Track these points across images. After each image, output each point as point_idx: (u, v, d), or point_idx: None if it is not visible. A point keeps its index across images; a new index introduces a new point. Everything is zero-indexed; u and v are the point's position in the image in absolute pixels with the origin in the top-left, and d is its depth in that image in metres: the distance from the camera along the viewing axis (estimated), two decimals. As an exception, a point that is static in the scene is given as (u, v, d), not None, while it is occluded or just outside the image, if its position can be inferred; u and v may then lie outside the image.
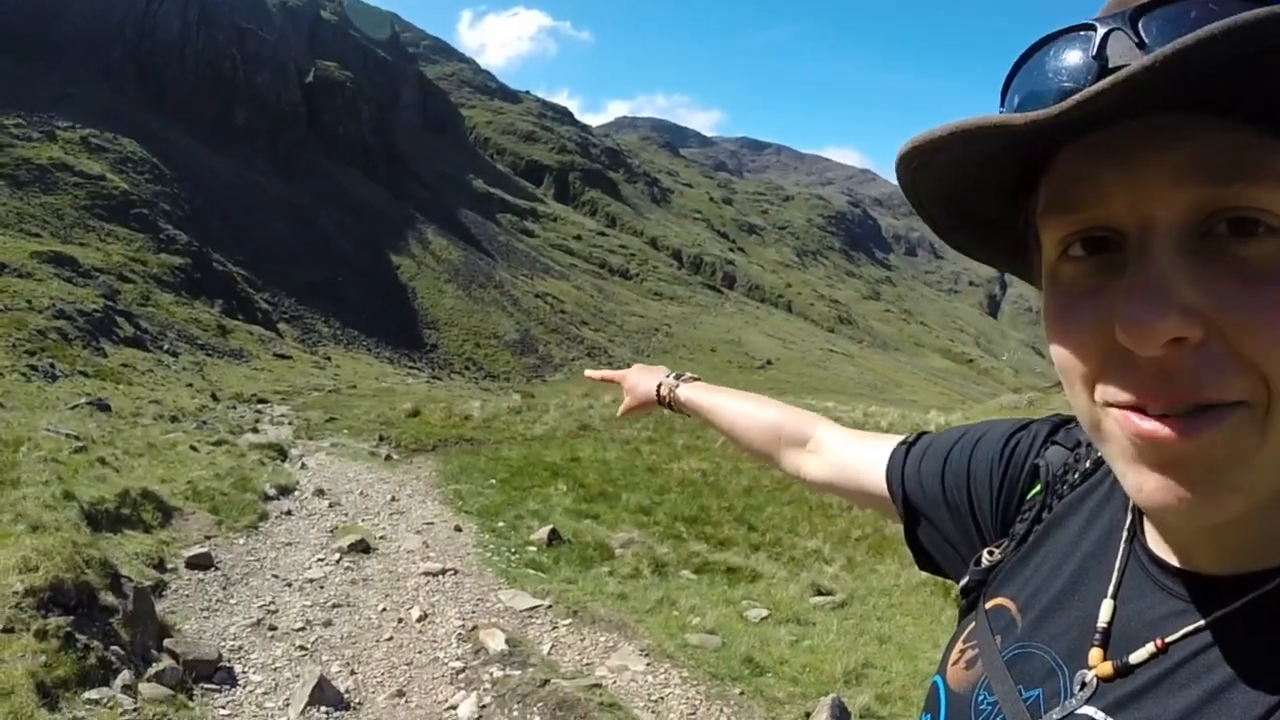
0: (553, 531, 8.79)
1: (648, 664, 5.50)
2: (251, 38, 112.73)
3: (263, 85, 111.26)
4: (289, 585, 6.72)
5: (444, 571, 7.29)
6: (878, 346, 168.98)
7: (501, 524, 9.40)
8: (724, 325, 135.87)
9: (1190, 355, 0.52)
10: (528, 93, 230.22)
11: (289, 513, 9.05)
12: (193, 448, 12.18)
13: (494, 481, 11.87)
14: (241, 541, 7.71)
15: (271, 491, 9.66)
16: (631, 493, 11.57)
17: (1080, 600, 0.72)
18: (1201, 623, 0.61)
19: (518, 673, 5.10)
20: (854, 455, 1.14)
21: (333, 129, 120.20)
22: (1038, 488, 0.85)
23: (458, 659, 5.45)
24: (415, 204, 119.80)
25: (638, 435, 16.03)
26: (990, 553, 0.85)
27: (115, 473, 8.75)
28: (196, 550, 6.92)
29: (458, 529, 9.00)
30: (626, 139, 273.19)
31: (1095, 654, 0.67)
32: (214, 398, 29.30)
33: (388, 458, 13.88)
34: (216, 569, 6.80)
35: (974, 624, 0.82)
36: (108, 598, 4.81)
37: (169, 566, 6.58)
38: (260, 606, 6.15)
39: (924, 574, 5.60)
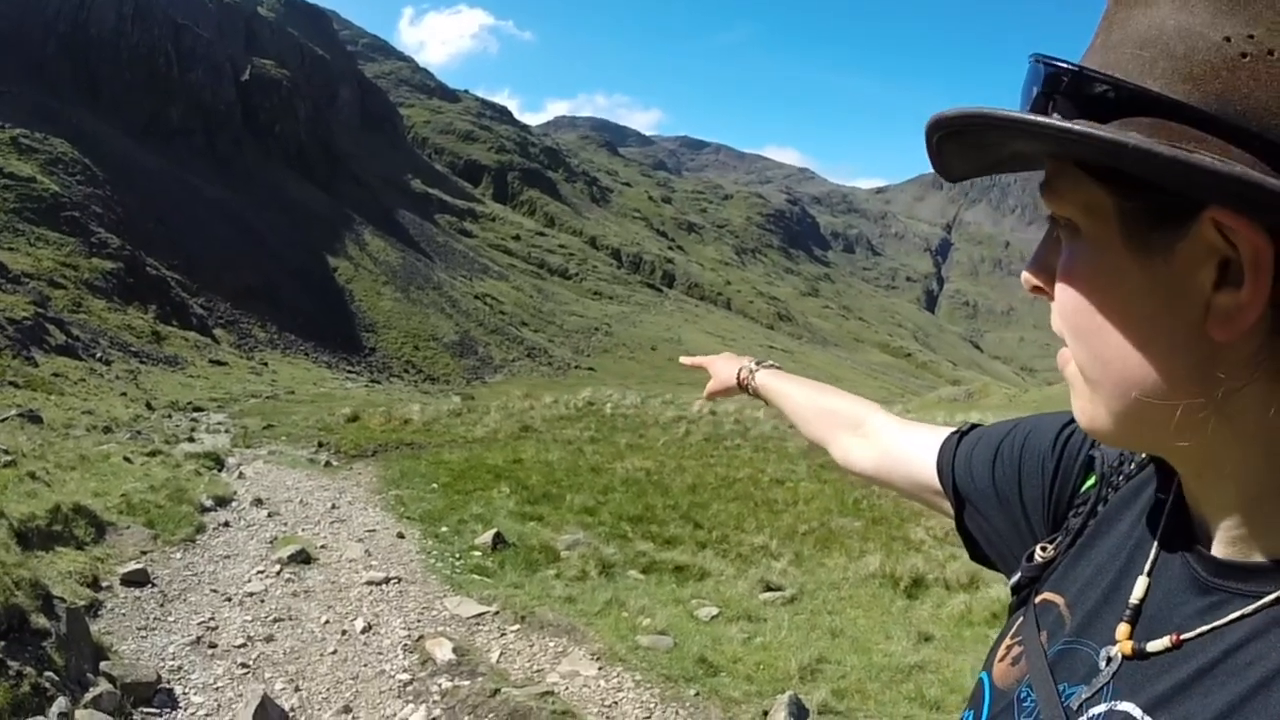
0: (497, 535, 8.65)
1: (599, 668, 5.41)
2: (187, 34, 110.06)
3: (198, 83, 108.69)
4: (229, 600, 6.49)
5: (387, 580, 7.11)
6: (817, 343, 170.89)
7: (445, 529, 9.23)
8: (664, 324, 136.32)
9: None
10: (467, 91, 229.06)
11: (227, 524, 8.77)
12: (127, 459, 11.80)
13: (436, 486, 11.68)
14: (178, 556, 7.43)
15: (208, 503, 9.37)
16: (576, 493, 11.46)
17: (1125, 590, 0.71)
18: (1239, 614, 0.60)
19: (467, 683, 4.97)
20: (904, 444, 1.16)
21: (269, 128, 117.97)
22: (1092, 480, 0.85)
23: (405, 671, 5.30)
24: (352, 204, 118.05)
25: (580, 435, 15.93)
26: (1043, 548, 0.84)
27: (46, 487, 8.39)
28: (132, 566, 6.65)
29: (400, 535, 8.81)
30: (566, 138, 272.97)
31: (1122, 629, 0.68)
32: (149, 406, 28.60)
33: (327, 464, 13.60)
34: (153, 585, 6.54)
35: (1022, 620, 0.81)
36: (40, 620, 4.57)
37: (104, 584, 6.30)
38: (199, 623, 5.92)
39: (872, 566, 5.66)
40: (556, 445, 15.04)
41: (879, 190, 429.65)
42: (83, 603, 5.49)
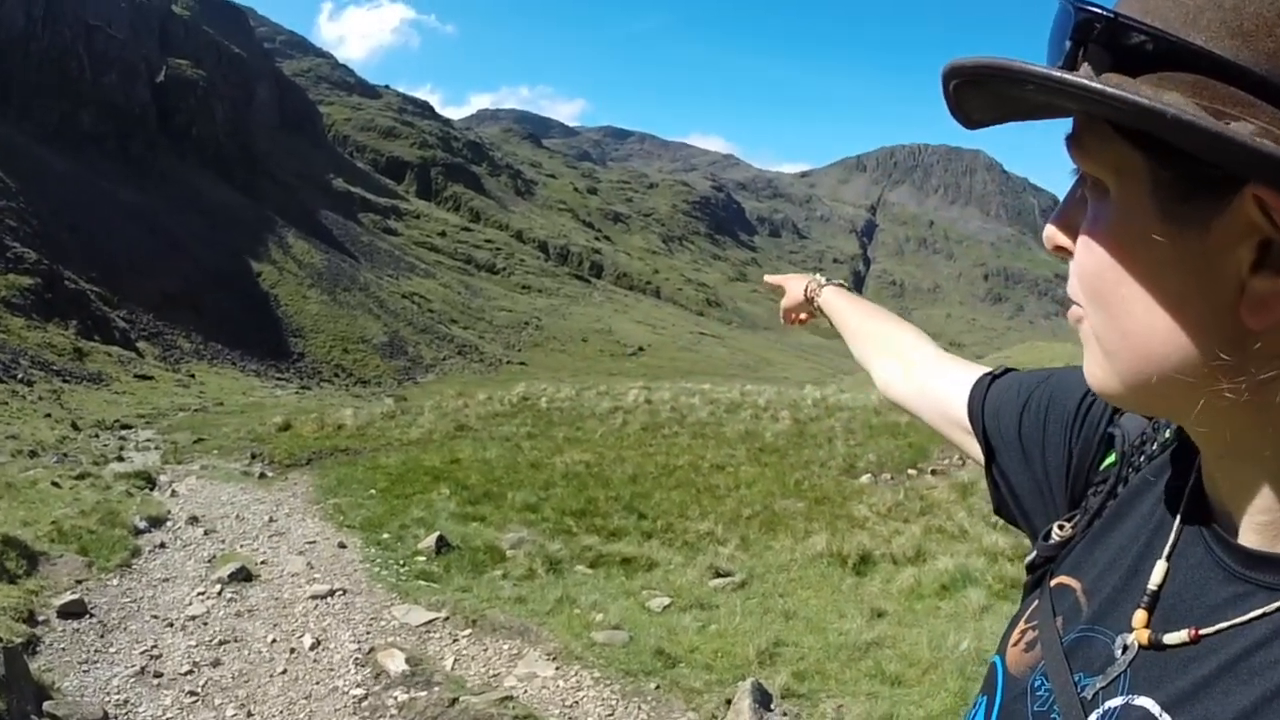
0: (440, 538, 8.53)
1: (557, 668, 5.34)
2: (99, 35, 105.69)
3: (111, 85, 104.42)
4: (170, 625, 6.25)
5: (332, 592, 6.94)
6: (747, 327, 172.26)
7: (386, 535, 9.07)
8: (593, 315, 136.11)
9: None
10: (387, 87, 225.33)
11: (163, 545, 8.47)
12: (54, 483, 11.35)
13: (374, 491, 11.49)
14: (115, 582, 7.14)
15: (142, 524, 9.04)
16: (516, 491, 11.37)
17: (1144, 576, 0.67)
18: (1261, 611, 0.57)
19: (423, 694, 4.86)
20: (940, 378, 1.13)
21: (186, 130, 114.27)
22: (1112, 458, 0.80)
23: (358, 685, 5.17)
24: (274, 206, 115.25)
25: (517, 431, 15.82)
26: (1060, 527, 0.80)
27: (-28, 519, 8.02)
28: (68, 597, 6.35)
29: (342, 545, 8.62)
30: (489, 131, 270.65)
31: (1139, 616, 0.64)
32: (75, 427, 27.57)
33: (261, 476, 13.30)
34: (91, 615, 6.26)
35: (1037, 603, 0.78)
36: (-25, 663, 4.33)
37: (40, 618, 6.01)
38: (142, 652, 5.68)
39: (818, 545, 5.67)
40: (494, 443, 14.90)
41: (803, 174, 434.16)
42: (19, 640, 5.24)
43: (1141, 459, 0.77)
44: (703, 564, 8.40)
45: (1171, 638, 0.61)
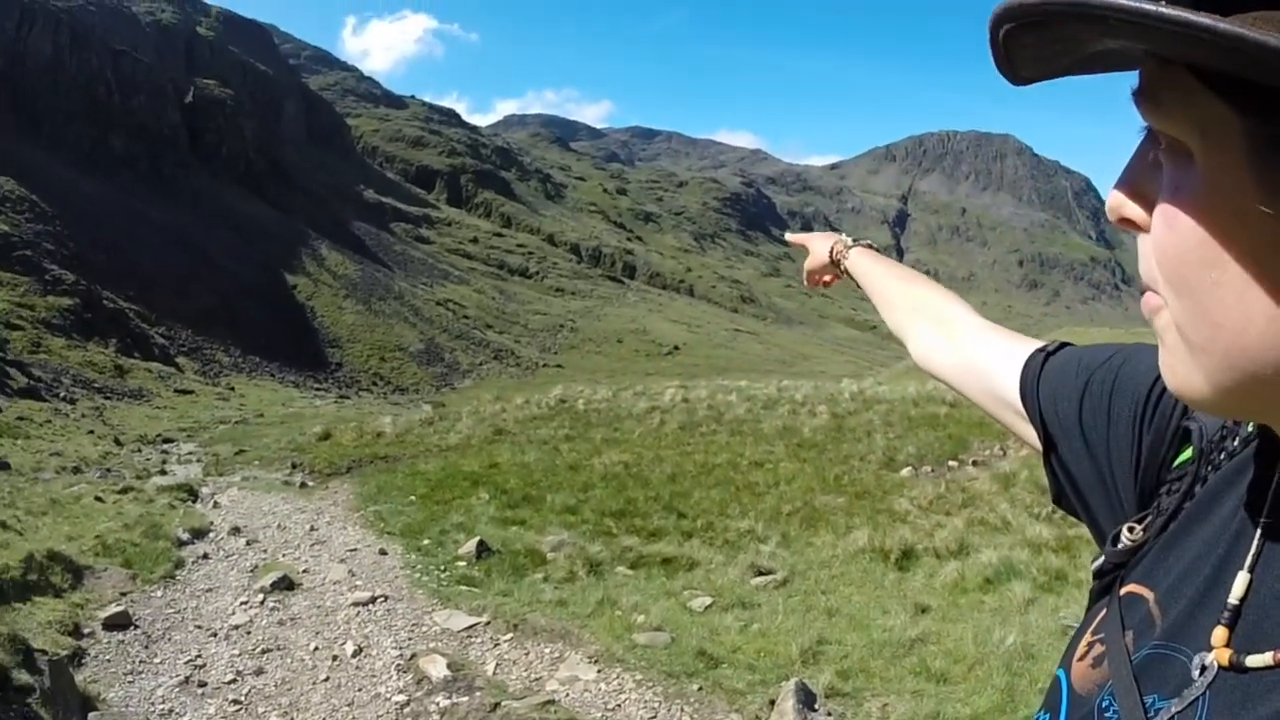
0: (480, 543, 8.54)
1: (598, 671, 5.32)
2: (126, 59, 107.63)
3: (140, 108, 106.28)
4: (214, 635, 6.33)
5: (374, 599, 6.98)
6: (782, 322, 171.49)
7: (427, 541, 9.10)
8: (628, 315, 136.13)
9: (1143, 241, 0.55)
10: (413, 97, 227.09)
11: (206, 556, 8.58)
12: (98, 498, 11.56)
13: (414, 498, 11.54)
14: (159, 594, 7.24)
15: (185, 536, 9.17)
16: (555, 493, 11.38)
17: (1224, 588, 0.59)
18: None
19: (465, 699, 4.86)
20: (989, 353, 1.02)
21: (216, 149, 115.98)
22: (1188, 453, 0.72)
23: (400, 692, 5.18)
24: (306, 220, 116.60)
25: (555, 434, 15.83)
26: (1130, 529, 0.72)
27: (18, 535, 8.18)
28: (113, 610, 6.47)
29: (382, 552, 8.67)
30: (516, 137, 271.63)
31: (1219, 633, 0.57)
32: (117, 442, 28.00)
33: (302, 485, 13.41)
34: (136, 627, 6.36)
35: (1105, 613, 0.70)
36: (22, 676, 4.40)
37: (85, 631, 6.12)
38: (187, 662, 5.76)
39: (860, 541, 5.61)
40: (532, 446, 14.92)
41: (833, 166, 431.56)
42: (65, 653, 5.33)
43: (1222, 457, 0.69)
44: (744, 562, 8.35)
45: (1255, 660, 0.54)
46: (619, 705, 4.90)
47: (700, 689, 5.00)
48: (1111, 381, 0.81)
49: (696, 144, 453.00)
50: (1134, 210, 0.56)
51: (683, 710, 4.79)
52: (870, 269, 1.36)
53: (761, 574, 8.06)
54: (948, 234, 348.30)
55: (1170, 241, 0.50)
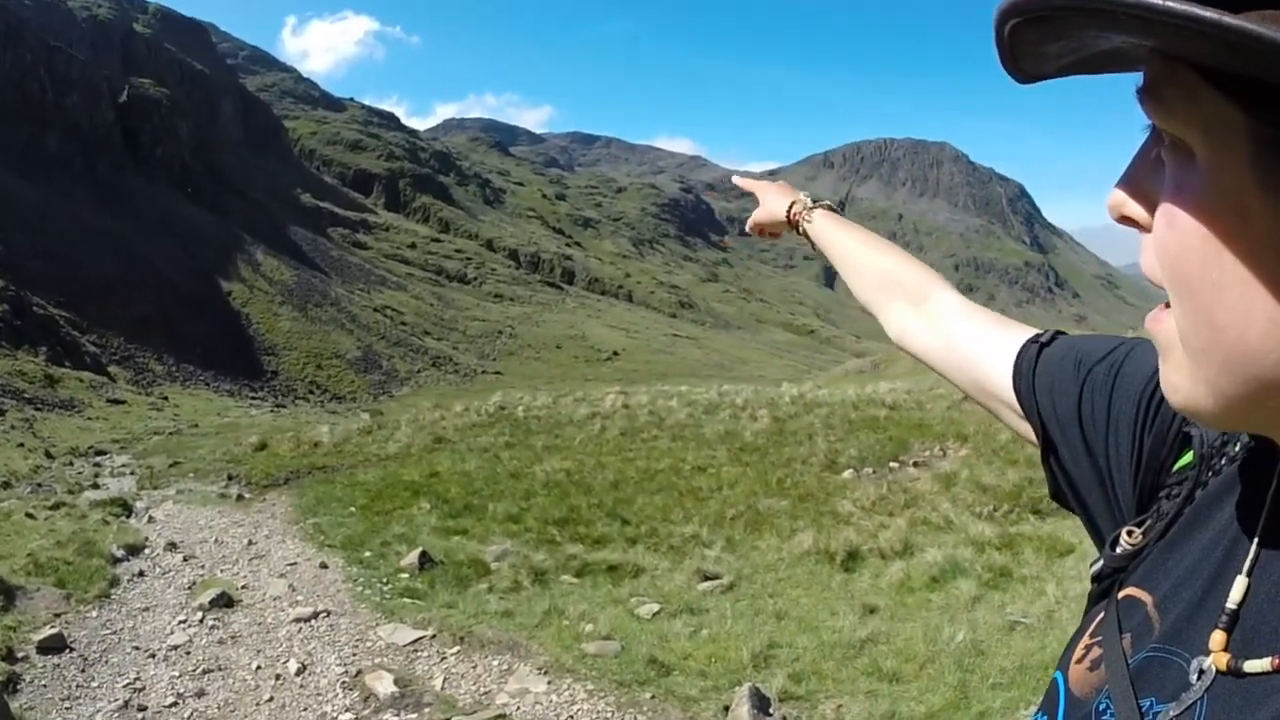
0: (423, 554, 8.42)
1: (549, 682, 5.24)
2: (61, 56, 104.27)
3: (74, 107, 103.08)
4: (153, 656, 6.11)
5: (316, 615, 6.82)
6: (720, 327, 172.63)
7: (368, 553, 8.94)
8: (567, 321, 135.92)
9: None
10: (352, 100, 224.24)
11: (141, 574, 8.31)
12: (29, 515, 11.18)
13: (354, 509, 11.34)
14: (95, 614, 6.98)
15: (120, 553, 8.88)
16: (497, 502, 11.28)
17: (1222, 592, 0.59)
18: None
19: (414, 716, 4.76)
20: (974, 337, 0.99)
21: (151, 150, 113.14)
22: (1188, 457, 0.71)
23: (347, 710, 5.06)
24: (242, 224, 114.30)
25: (495, 442, 15.68)
26: (1130, 533, 0.71)
27: (-53, 556, 7.85)
28: (47, 632, 6.22)
29: (323, 565, 8.49)
30: (455, 141, 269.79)
31: (1217, 637, 0.56)
32: (48, 455, 27.25)
33: (239, 498, 13.11)
34: (72, 650, 6.12)
35: (1102, 616, 0.70)
36: (-47, 707, 4.19)
37: (19, 655, 5.87)
38: (125, 685, 5.55)
39: (805, 543, 5.63)
40: (472, 454, 14.76)
41: (771, 173, 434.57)
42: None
43: (1223, 462, 0.68)
44: (690, 568, 8.33)
45: (1253, 665, 0.53)
46: (571, 716, 4.83)
47: (653, 697, 4.95)
48: (1113, 379, 0.79)
49: (636, 150, 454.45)
50: (1135, 209, 0.55)
51: (636, 719, 4.74)
52: (835, 235, 1.28)
53: (708, 579, 8.05)
54: (885, 239, 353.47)
55: (1172, 240, 0.49)
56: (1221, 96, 0.44)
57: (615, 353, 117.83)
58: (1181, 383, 0.52)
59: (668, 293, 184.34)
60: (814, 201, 1.35)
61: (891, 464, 12.53)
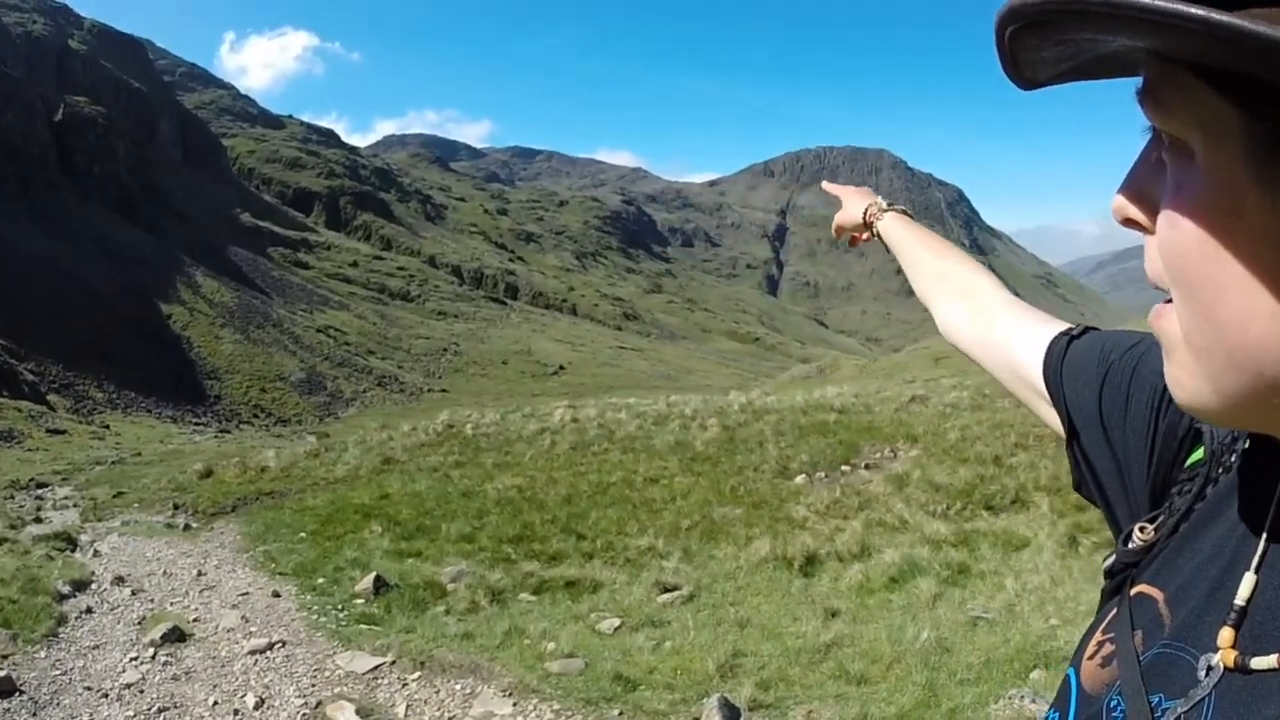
0: (377, 579, 8.28)
1: (514, 704, 5.16)
2: None
3: (8, 126, 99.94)
4: (105, 696, 5.88)
5: (271, 646, 6.64)
6: (666, 338, 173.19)
7: (321, 580, 8.77)
8: (512, 336, 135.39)
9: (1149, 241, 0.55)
10: (291, 117, 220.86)
11: (89, 610, 8.01)
12: (-29, 552, 10.73)
13: (304, 535, 11.12)
14: (43, 654, 6.70)
15: (66, 589, 8.55)
16: (450, 522, 11.15)
17: (1231, 589, 0.60)
18: None
19: (377, 745, 4.64)
20: (1010, 329, 1.02)
21: (87, 170, 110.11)
22: (1199, 453, 0.71)
23: (308, 743, 4.91)
24: (181, 245, 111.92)
25: (445, 461, 15.50)
26: (1142, 529, 0.72)
27: (-114, 598, 7.50)
28: (-4, 675, 5.96)
29: (276, 594, 8.29)
30: (396, 157, 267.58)
31: (1226, 634, 0.57)
32: (-13, 489, 26.28)
33: (186, 527, 12.77)
34: (21, 693, 5.85)
35: (1115, 613, 0.70)
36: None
37: (-33, 701, 5.62)
38: (79, 729, 5.33)
39: (762, 550, 5.65)
40: (422, 474, 14.57)
41: (712, 183, 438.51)
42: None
43: (1232, 458, 0.68)
44: (648, 580, 8.31)
45: (1260, 662, 0.54)
46: (538, 738, 4.76)
47: (621, 714, 4.90)
48: (1131, 373, 0.80)
49: (577, 163, 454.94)
50: (1137, 212, 0.55)
51: (604, 737, 4.69)
52: (902, 235, 1.35)
53: (667, 590, 8.03)
54: (826, 246, 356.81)
55: (1174, 240, 0.50)
56: (1217, 95, 0.44)
57: (561, 367, 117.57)
58: (1185, 380, 0.53)
59: (612, 305, 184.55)
60: (888, 205, 1.42)
61: (843, 467, 12.62)
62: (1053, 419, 0.91)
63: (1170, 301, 0.53)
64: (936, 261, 1.26)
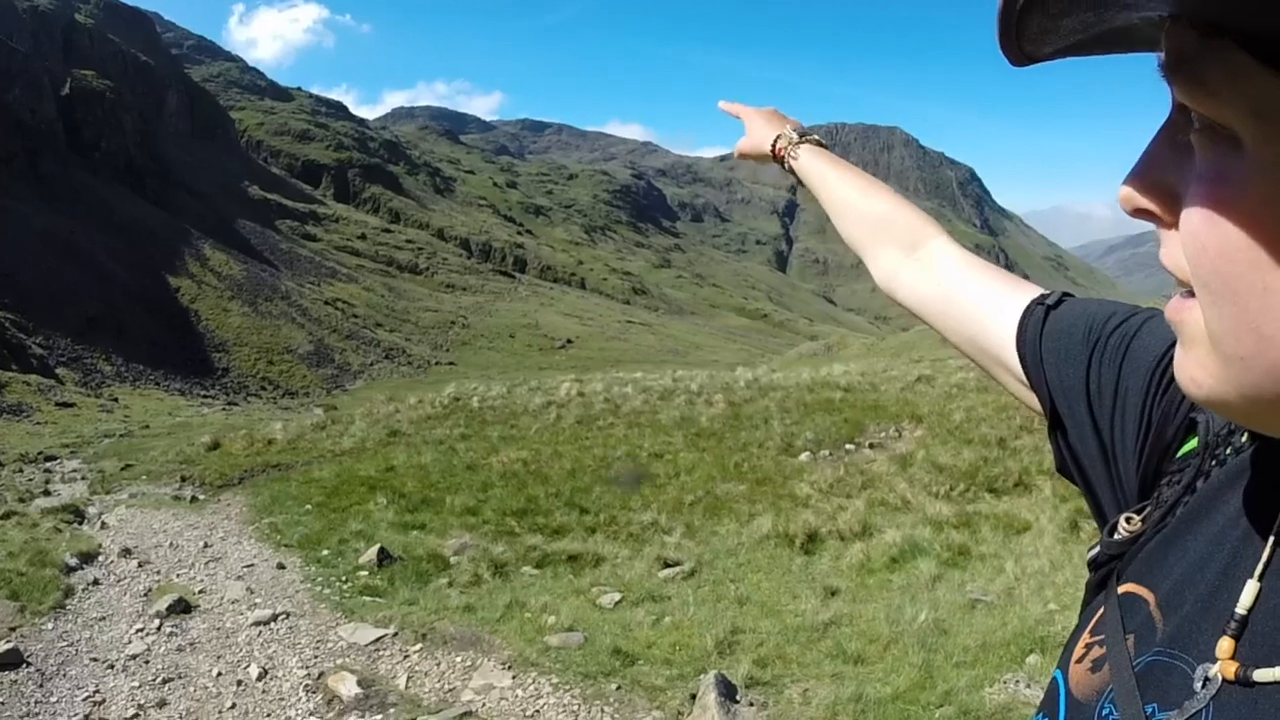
0: (381, 550, 8.33)
1: (514, 677, 5.21)
2: (1, 49, 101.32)
3: (15, 102, 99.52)
4: (111, 667, 5.94)
5: (275, 617, 6.70)
6: (674, 313, 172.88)
7: (326, 552, 8.82)
8: (520, 310, 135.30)
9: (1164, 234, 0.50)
10: (299, 89, 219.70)
11: (96, 582, 8.08)
12: (-21, 525, 10.81)
13: (310, 507, 11.18)
14: (50, 626, 6.77)
15: (73, 561, 8.62)
16: (455, 495, 11.18)
17: (1229, 595, 0.56)
18: None
19: (378, 717, 4.71)
20: (974, 292, 0.92)
21: (95, 144, 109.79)
22: (1193, 443, 0.67)
23: (311, 714, 4.99)
24: (189, 218, 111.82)
25: (451, 434, 15.55)
26: (1128, 519, 0.67)
27: (-104, 573, 7.58)
28: (3, 647, 6.00)
29: (281, 566, 8.35)
30: (405, 130, 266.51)
31: (1225, 645, 0.53)
32: (-3, 462, 26.43)
33: (193, 499, 12.84)
34: (28, 664, 5.91)
35: (1103, 613, 0.66)
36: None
37: (-27, 674, 5.68)
38: (85, 699, 5.39)
39: (764, 527, 5.66)
40: (428, 447, 14.62)
41: (722, 158, 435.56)
42: (-47, 699, 4.93)
43: (1228, 452, 0.64)
44: (650, 555, 8.34)
45: (1262, 675, 0.50)
46: (538, 711, 4.80)
47: (619, 688, 4.94)
48: (1124, 351, 0.75)
49: (587, 136, 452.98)
50: (1150, 202, 0.50)
51: (603, 711, 4.73)
52: (824, 173, 1.20)
53: (669, 566, 8.07)
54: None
55: (1213, 239, 0.44)
56: (1274, 74, 0.39)
57: (569, 340, 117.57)
58: (1204, 380, 0.49)
59: (620, 279, 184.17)
60: (801, 135, 1.27)
61: (847, 446, 12.64)
62: (1023, 395, 0.85)
63: (1192, 295, 0.48)
64: (870, 202, 1.12)
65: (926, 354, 30.11)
